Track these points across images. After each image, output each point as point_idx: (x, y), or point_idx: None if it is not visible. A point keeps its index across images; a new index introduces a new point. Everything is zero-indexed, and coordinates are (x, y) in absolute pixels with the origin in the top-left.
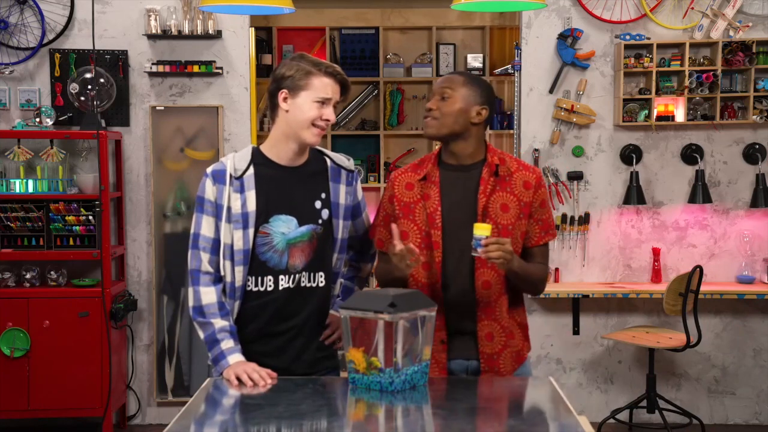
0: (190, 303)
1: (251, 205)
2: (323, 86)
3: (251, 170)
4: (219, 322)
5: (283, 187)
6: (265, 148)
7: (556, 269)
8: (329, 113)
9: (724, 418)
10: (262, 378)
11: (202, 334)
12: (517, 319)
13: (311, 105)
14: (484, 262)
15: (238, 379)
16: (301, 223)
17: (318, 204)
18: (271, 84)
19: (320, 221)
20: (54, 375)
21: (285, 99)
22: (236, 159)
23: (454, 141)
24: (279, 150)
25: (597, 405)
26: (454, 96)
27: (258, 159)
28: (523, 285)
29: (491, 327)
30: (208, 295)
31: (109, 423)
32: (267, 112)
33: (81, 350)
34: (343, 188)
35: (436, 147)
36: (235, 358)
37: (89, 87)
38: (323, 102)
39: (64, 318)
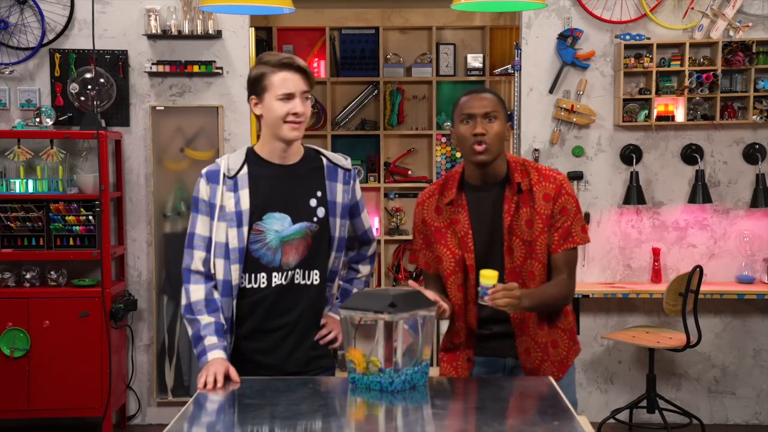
0: (182, 302)
1: (245, 204)
2: (282, 82)
3: (245, 169)
4: (205, 319)
5: (277, 185)
6: (257, 148)
7: None
8: (297, 106)
9: (724, 418)
10: (216, 381)
11: (190, 331)
12: (561, 327)
13: (277, 104)
14: (515, 279)
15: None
16: (294, 221)
17: (313, 202)
18: (247, 90)
19: (315, 219)
20: (54, 375)
21: (256, 104)
22: (230, 159)
23: (494, 163)
24: (268, 149)
25: (597, 405)
26: (497, 116)
27: (252, 158)
28: (544, 311)
29: (527, 343)
30: (197, 292)
31: (109, 423)
32: None
33: (81, 350)
34: (340, 186)
35: (459, 162)
36: (214, 354)
37: (89, 87)
38: (287, 97)
39: (64, 318)
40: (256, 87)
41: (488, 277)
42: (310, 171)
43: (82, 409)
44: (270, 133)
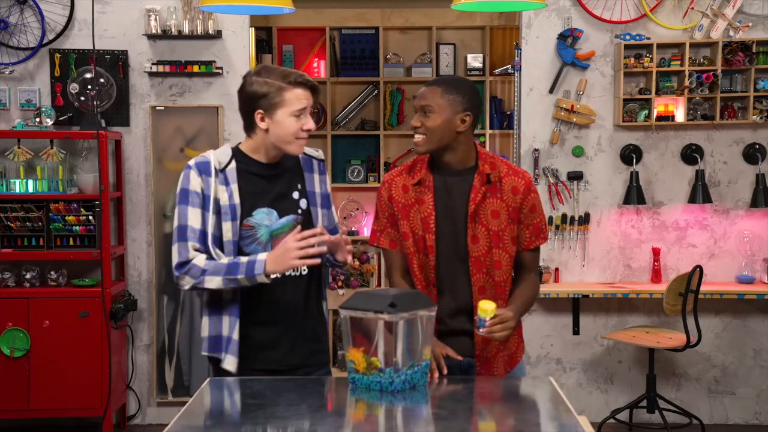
0: (190, 281)
1: (236, 198)
2: (297, 99)
3: (233, 164)
4: (225, 259)
5: (263, 180)
6: (246, 149)
7: (556, 269)
8: (308, 122)
9: (724, 418)
10: (307, 244)
11: (219, 279)
12: None
13: (290, 120)
14: (480, 268)
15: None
16: (281, 215)
17: (296, 195)
18: (242, 104)
19: (300, 211)
20: (54, 375)
21: (262, 119)
22: (218, 154)
23: (444, 152)
24: (260, 154)
25: (597, 405)
26: (435, 110)
27: (238, 155)
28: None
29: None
30: (200, 260)
31: (109, 423)
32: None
33: (81, 350)
34: (316, 177)
35: None
36: (263, 254)
37: (89, 87)
38: (300, 114)
39: (64, 318)
40: (266, 101)
41: (486, 310)
42: (290, 166)
43: (82, 409)
44: (271, 145)
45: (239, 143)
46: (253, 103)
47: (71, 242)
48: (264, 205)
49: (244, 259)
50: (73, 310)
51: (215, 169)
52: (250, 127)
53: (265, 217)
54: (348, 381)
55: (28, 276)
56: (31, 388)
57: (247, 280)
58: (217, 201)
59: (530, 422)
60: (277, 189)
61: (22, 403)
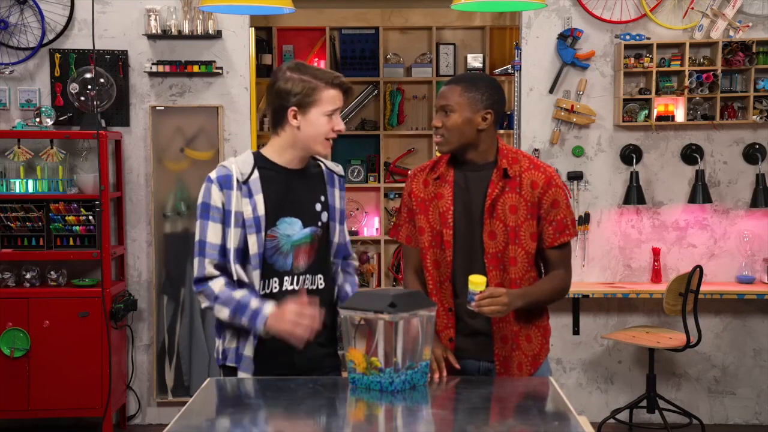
0: (205, 302)
1: (261, 209)
2: (331, 99)
3: (256, 174)
4: (238, 293)
5: (288, 189)
6: (269, 153)
7: None
8: (339, 123)
9: (724, 418)
10: (310, 325)
11: (226, 313)
12: (535, 322)
13: (322, 120)
14: (496, 264)
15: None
16: (304, 225)
17: (318, 206)
18: (275, 99)
19: (320, 223)
20: (54, 375)
21: (295, 116)
22: (239, 164)
23: (467, 150)
24: (284, 156)
25: (597, 405)
26: (454, 109)
27: (261, 163)
28: (539, 306)
29: (505, 329)
30: (218, 285)
31: (109, 423)
32: (267, 116)
33: (81, 350)
34: (337, 192)
35: None
36: (269, 308)
37: (89, 87)
38: (332, 114)
39: (64, 318)
40: (300, 99)
41: (476, 283)
42: (314, 175)
43: (82, 409)
44: (298, 144)
45: (261, 148)
46: (286, 99)
47: (71, 242)
48: (288, 214)
49: (253, 303)
50: (73, 310)
51: (237, 181)
52: (279, 123)
53: (288, 227)
54: (348, 381)
55: (28, 276)
56: (31, 388)
57: (248, 326)
58: (239, 214)
59: (530, 422)
60: (301, 198)
61: (22, 403)
